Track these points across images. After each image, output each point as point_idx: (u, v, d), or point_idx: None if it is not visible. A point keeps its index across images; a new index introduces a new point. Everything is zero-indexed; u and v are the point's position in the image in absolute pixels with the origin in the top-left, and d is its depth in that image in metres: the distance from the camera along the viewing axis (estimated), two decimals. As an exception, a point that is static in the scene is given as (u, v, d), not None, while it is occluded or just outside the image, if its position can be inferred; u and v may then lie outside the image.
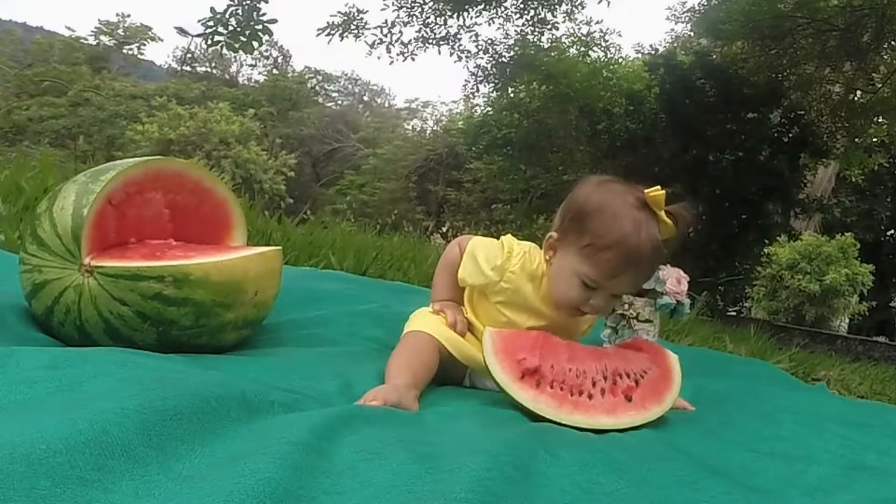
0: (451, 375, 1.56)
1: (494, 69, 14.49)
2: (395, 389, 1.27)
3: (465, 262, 1.56)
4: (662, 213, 1.44)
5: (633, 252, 1.40)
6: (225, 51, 9.77)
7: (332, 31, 12.92)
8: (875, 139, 13.35)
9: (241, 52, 9.76)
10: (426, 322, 1.54)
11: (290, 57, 39.64)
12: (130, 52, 33.98)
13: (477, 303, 1.61)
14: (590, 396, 1.30)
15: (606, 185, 1.50)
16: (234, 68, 36.52)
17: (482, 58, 14.36)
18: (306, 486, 0.76)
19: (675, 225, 1.45)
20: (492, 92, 15.93)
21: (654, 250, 1.42)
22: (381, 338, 1.71)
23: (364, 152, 29.61)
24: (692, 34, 16.36)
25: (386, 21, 13.14)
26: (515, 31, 14.05)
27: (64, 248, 1.32)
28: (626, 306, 2.13)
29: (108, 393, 0.92)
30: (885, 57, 11.78)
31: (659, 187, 1.45)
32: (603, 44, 15.17)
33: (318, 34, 12.96)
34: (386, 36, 13.21)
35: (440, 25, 13.28)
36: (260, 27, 9.25)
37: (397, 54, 13.38)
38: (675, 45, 17.83)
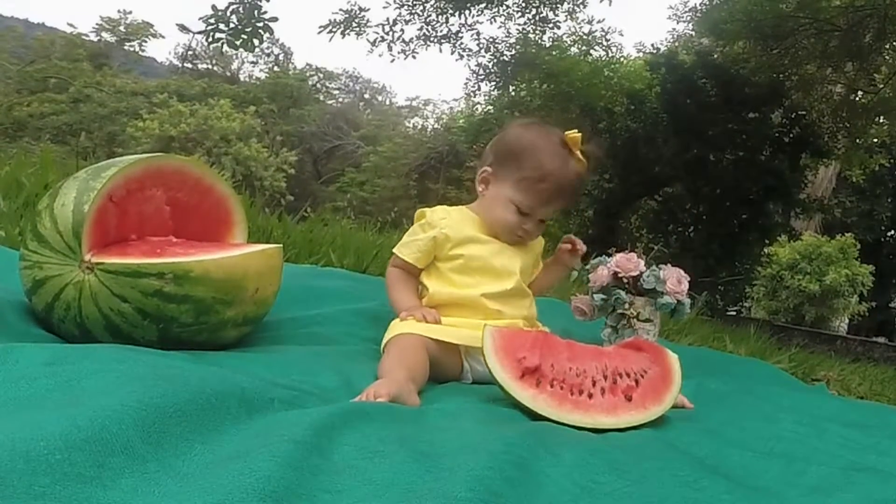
0: (446, 372, 1.56)
1: (496, 68, 14.50)
2: (395, 382, 1.26)
3: (404, 254, 1.70)
4: (578, 154, 1.67)
5: (563, 183, 1.65)
6: (226, 48, 9.74)
7: (334, 29, 12.92)
8: (876, 140, 13.36)
9: (242, 49, 9.74)
10: (403, 325, 1.56)
11: (292, 54, 39.58)
12: (132, 49, 33.97)
13: (435, 273, 1.70)
14: (590, 396, 1.30)
15: (534, 126, 1.74)
16: (235, 65, 36.49)
17: (483, 56, 14.39)
18: (306, 485, 0.76)
19: (587, 162, 1.68)
20: (493, 90, 15.96)
21: (577, 182, 1.69)
22: (380, 337, 1.70)
23: (365, 150, 29.57)
24: (694, 34, 16.36)
25: (387, 19, 13.16)
26: (517, 29, 14.08)
27: (64, 244, 1.32)
28: (627, 306, 2.13)
29: (108, 390, 0.92)
30: (887, 57, 11.77)
31: (576, 130, 1.68)
32: (604, 43, 15.22)
33: (320, 32, 12.98)
34: (387, 34, 13.23)
35: (442, 23, 13.30)
36: (261, 25, 9.23)
37: (398, 52, 13.41)
38: (677, 44, 17.84)
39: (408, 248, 1.69)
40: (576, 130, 1.68)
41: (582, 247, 1.84)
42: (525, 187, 1.64)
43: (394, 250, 1.73)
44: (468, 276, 1.65)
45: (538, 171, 1.63)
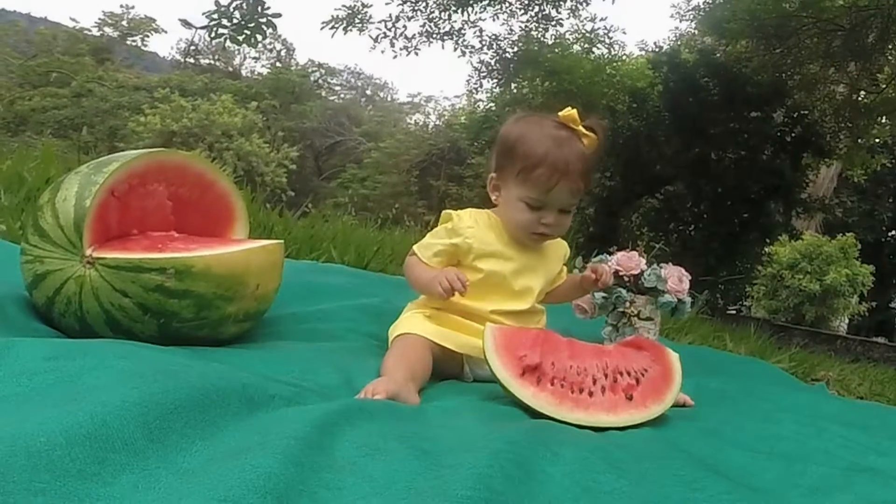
0: (448, 371, 1.56)
1: (498, 65, 14.49)
2: (394, 381, 1.27)
3: (424, 255, 1.64)
4: (581, 129, 1.60)
5: (560, 163, 1.55)
6: (229, 44, 9.74)
7: (337, 25, 12.92)
8: (878, 140, 13.35)
9: (245, 45, 9.74)
10: (411, 324, 1.55)
11: (294, 50, 39.64)
12: (134, 44, 33.96)
13: None
14: (590, 394, 1.30)
15: (524, 118, 1.69)
16: (237, 61, 36.44)
17: (486, 53, 14.38)
18: (307, 482, 0.76)
19: (596, 134, 1.61)
20: (495, 87, 15.96)
21: (579, 160, 1.57)
22: (381, 333, 1.70)
23: (366, 146, 29.55)
24: (696, 32, 16.33)
25: (390, 15, 13.15)
26: (519, 27, 14.07)
27: (66, 239, 1.32)
28: (628, 304, 2.13)
29: (109, 385, 0.92)
30: (890, 58, 11.75)
31: (570, 107, 1.62)
32: (607, 41, 15.21)
33: (323, 27, 12.97)
34: (390, 30, 13.22)
35: (444, 20, 13.28)
36: (264, 20, 9.23)
37: (401, 49, 13.40)
38: (680, 43, 17.79)
39: (428, 249, 1.64)
40: (569, 108, 1.62)
41: (608, 279, 1.78)
42: (524, 179, 1.58)
43: (414, 247, 1.67)
44: (484, 293, 1.62)
45: (530, 158, 1.56)
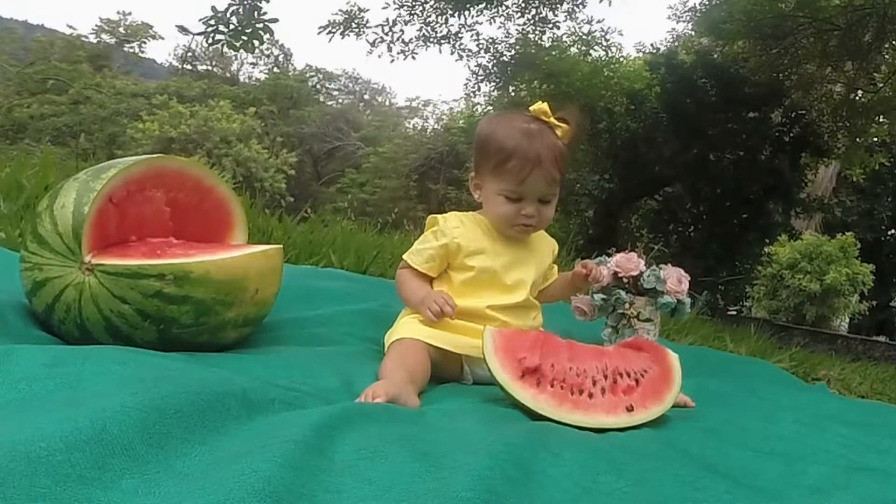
0: (447, 374, 1.56)
1: (495, 68, 14.51)
2: (394, 383, 1.27)
3: (415, 262, 1.66)
4: (553, 120, 1.63)
5: (531, 153, 1.58)
6: (226, 49, 9.75)
7: (334, 30, 12.94)
8: (876, 139, 13.34)
9: (242, 50, 9.74)
10: (407, 329, 1.56)
11: (291, 55, 39.63)
12: (131, 51, 34.01)
13: (446, 281, 1.68)
14: (590, 395, 1.30)
15: (496, 116, 1.75)
16: (234, 66, 36.50)
17: (483, 57, 14.39)
18: (307, 485, 0.76)
19: (569, 124, 1.64)
20: (493, 91, 15.96)
21: (550, 149, 1.60)
22: (380, 337, 1.71)
23: (365, 151, 29.57)
24: (693, 33, 16.34)
25: (387, 19, 13.16)
26: (516, 29, 14.09)
27: (65, 246, 1.32)
28: (627, 305, 2.13)
29: (109, 391, 0.92)
30: (887, 56, 11.77)
31: (540, 101, 1.66)
32: (604, 43, 15.20)
33: (320, 32, 13.00)
34: (387, 34, 13.24)
35: (441, 24, 13.30)
36: (261, 26, 9.23)
37: (398, 53, 13.42)
38: (677, 44, 17.81)
39: (419, 255, 1.66)
40: (539, 102, 1.65)
41: (599, 276, 1.80)
42: (499, 173, 1.62)
43: (404, 257, 1.70)
44: (477, 289, 1.63)
45: (502, 152, 1.60)
